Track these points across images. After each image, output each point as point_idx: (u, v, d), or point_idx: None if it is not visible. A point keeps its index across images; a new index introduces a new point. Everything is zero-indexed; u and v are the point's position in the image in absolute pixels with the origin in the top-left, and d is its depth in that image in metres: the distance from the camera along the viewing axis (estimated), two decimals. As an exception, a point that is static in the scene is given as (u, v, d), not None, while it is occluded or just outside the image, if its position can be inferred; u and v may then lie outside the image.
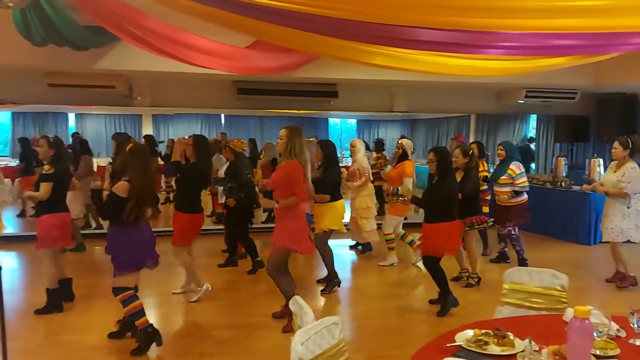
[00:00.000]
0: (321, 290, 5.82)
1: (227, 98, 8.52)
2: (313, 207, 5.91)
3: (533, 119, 12.05)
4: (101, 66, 6.76)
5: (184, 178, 5.48)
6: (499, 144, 6.94)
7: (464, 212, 5.66)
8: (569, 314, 2.43)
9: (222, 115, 16.64)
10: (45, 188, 4.80)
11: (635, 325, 2.34)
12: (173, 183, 5.78)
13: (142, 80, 8.15)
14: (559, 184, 8.77)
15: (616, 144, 5.93)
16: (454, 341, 2.32)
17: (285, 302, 4.62)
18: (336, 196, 5.85)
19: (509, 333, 2.32)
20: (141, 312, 4.14)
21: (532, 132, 12.15)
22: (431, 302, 5.34)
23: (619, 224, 5.85)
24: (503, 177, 6.62)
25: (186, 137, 5.62)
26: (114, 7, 4.41)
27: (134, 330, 4.26)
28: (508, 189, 6.57)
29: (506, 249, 7.02)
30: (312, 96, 8.44)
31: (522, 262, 6.58)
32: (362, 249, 7.68)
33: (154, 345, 4.17)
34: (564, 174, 8.90)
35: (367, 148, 9.69)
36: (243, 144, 6.68)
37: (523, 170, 6.65)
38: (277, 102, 8.93)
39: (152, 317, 4.51)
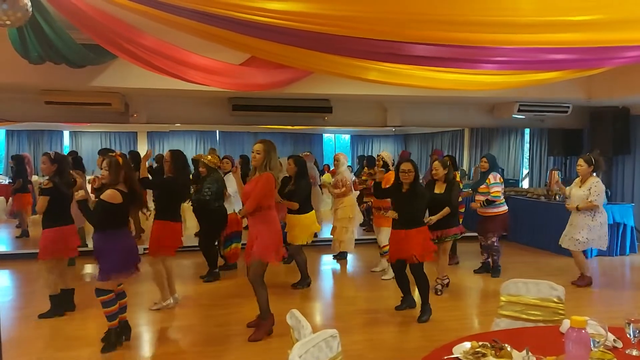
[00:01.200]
0: (292, 285, 6.41)
1: (221, 114, 8.54)
2: (286, 217, 6.37)
3: (526, 133, 12.15)
4: (98, 84, 6.79)
5: (163, 193, 5.60)
6: (483, 156, 7.25)
7: (442, 223, 5.93)
8: (565, 325, 2.44)
9: (217, 132, 16.73)
10: (41, 202, 5.04)
11: (632, 336, 2.35)
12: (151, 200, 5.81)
13: (138, 97, 8.18)
14: (552, 197, 8.83)
15: (581, 162, 6.37)
16: (452, 353, 2.32)
17: (259, 312, 4.83)
18: (306, 209, 6.29)
19: (507, 345, 2.33)
20: (115, 315, 4.46)
21: (526, 146, 12.23)
22: (397, 308, 5.57)
23: (585, 235, 6.33)
24: (482, 186, 6.96)
25: (149, 150, 5.82)
26: (111, 25, 4.45)
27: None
28: (484, 198, 6.87)
29: (489, 260, 7.21)
30: (306, 112, 8.48)
31: (496, 270, 7.02)
32: (339, 255, 8.06)
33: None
34: (558, 188, 8.96)
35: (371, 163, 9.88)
36: (217, 160, 6.99)
37: (499, 181, 6.87)
38: (271, 118, 8.97)
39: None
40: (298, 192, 6.22)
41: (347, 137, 18.61)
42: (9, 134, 15.84)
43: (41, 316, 5.23)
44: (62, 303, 5.37)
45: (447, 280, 6.33)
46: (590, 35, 3.78)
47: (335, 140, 18.56)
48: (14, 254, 8.24)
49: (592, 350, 2.15)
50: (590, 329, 2.13)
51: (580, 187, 6.39)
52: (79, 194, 4.26)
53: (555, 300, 3.05)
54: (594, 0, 3.33)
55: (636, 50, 4.15)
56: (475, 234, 7.39)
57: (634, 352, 2.33)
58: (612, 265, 7.82)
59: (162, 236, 5.47)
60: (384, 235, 6.87)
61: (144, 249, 6.04)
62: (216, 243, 7.17)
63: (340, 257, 8.08)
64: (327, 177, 12.10)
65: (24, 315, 5.39)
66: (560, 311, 3.02)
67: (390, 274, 6.89)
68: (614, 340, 2.42)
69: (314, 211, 6.48)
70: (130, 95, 8.03)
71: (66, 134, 16.33)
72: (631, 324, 2.34)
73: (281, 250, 4.78)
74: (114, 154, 4.49)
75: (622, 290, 6.63)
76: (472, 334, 2.62)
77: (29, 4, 3.37)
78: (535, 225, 8.89)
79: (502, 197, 6.90)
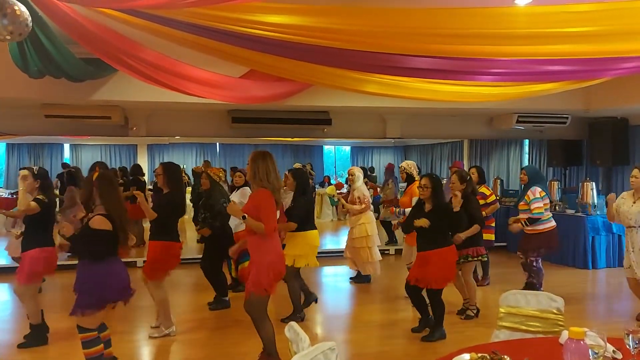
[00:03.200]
0: (281, 319, 5.36)
1: (221, 127, 8.58)
2: (286, 236, 5.65)
3: (526, 144, 12.17)
4: (97, 97, 6.82)
5: (158, 210, 5.08)
6: (522, 168, 6.65)
7: (463, 242, 5.36)
8: (564, 336, 2.43)
9: (217, 144, 16.78)
10: (33, 206, 4.64)
11: (631, 347, 2.33)
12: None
13: (138, 110, 8.21)
14: (553, 208, 8.83)
15: (636, 172, 5.34)
16: (452, 365, 2.31)
17: (262, 348, 4.24)
18: (306, 226, 5.59)
19: (506, 356, 2.31)
20: (99, 357, 3.84)
21: (525, 157, 12.25)
22: (414, 330, 5.20)
23: None
24: (521, 202, 6.21)
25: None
26: (111, 39, 4.49)
27: None
28: (526, 215, 6.08)
29: (533, 279, 6.27)
30: (306, 124, 8.50)
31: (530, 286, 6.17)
32: (358, 279, 7.35)
33: None
34: (558, 198, 8.97)
35: (366, 174, 9.81)
36: (221, 173, 6.53)
37: (539, 195, 6.02)
38: (271, 130, 8.99)
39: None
40: (296, 210, 5.53)
41: (347, 148, 18.65)
42: (10, 147, 15.90)
43: (20, 346, 4.77)
44: (44, 331, 4.91)
45: (475, 310, 5.69)
46: (587, 46, 3.82)
47: (336, 152, 18.60)
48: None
49: (591, 361, 2.13)
50: (589, 340, 2.12)
51: (634, 202, 5.38)
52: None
53: (555, 311, 3.03)
54: (590, 12, 3.36)
55: (633, 61, 4.19)
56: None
57: (634, 363, 2.31)
58: (612, 277, 7.79)
59: (159, 259, 5.00)
60: (408, 252, 6.39)
61: (144, 261, 5.62)
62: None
63: (361, 280, 7.32)
64: (330, 189, 11.99)
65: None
66: (560, 322, 3.00)
67: None
68: (614, 351, 2.40)
69: (316, 231, 5.75)
70: (130, 109, 8.06)
71: (66, 147, 16.38)
72: (630, 335, 2.33)
73: (275, 282, 4.09)
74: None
75: (622, 302, 6.60)
76: (471, 346, 2.60)
77: (29, 18, 3.40)
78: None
79: (545, 212, 6.08)
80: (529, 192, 6.07)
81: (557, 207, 8.72)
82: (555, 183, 8.84)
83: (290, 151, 17.25)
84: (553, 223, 6.18)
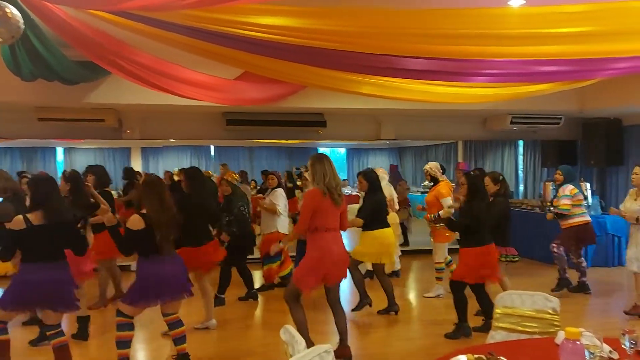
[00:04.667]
0: (352, 309, 5.89)
1: (216, 129, 8.54)
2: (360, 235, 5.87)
3: (520, 145, 12.20)
4: (91, 100, 6.78)
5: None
6: (557, 168, 6.98)
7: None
8: (560, 336, 2.42)
9: (212, 147, 16.73)
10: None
11: (628, 347, 2.33)
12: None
13: (132, 113, 8.17)
14: (547, 208, 8.83)
15: (637, 169, 5.60)
16: (448, 367, 2.30)
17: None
18: (373, 225, 5.67)
19: (502, 357, 2.31)
20: (127, 343, 4.07)
21: (520, 158, 12.29)
22: (446, 335, 5.13)
23: None
24: (555, 199, 6.70)
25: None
26: (105, 42, 4.47)
27: None
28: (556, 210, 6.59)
29: (584, 279, 6.77)
30: (301, 126, 8.48)
31: (562, 282, 6.65)
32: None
33: None
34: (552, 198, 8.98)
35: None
36: (235, 175, 6.76)
37: (569, 193, 6.50)
38: (266, 132, 8.97)
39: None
40: (363, 208, 5.76)
41: (342, 150, 18.65)
42: (1, 150, 15.78)
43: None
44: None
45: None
46: (581, 47, 3.83)
47: (331, 154, 18.61)
48: None
49: (587, 361, 2.13)
50: (585, 340, 2.12)
51: (635, 199, 5.64)
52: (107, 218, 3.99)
53: (551, 311, 3.03)
54: (583, 13, 3.37)
55: (626, 61, 4.20)
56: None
57: (630, 363, 2.31)
58: (607, 276, 7.82)
59: (189, 263, 4.75)
60: (441, 251, 6.58)
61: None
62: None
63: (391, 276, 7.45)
64: None
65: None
66: (556, 323, 3.00)
67: (436, 291, 6.69)
68: (610, 351, 2.40)
69: (388, 229, 5.84)
70: (124, 111, 8.03)
71: (59, 150, 16.28)
72: (627, 335, 2.33)
73: (313, 282, 4.28)
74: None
75: (617, 302, 6.62)
76: (467, 347, 2.60)
77: (21, 21, 3.38)
78: (529, 236, 8.88)
79: (576, 208, 6.52)
80: (560, 189, 6.60)
81: (551, 208, 8.71)
82: (550, 183, 8.78)
83: (285, 154, 17.20)
84: (586, 218, 6.64)
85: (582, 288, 6.79)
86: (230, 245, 6.26)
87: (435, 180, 6.64)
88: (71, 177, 5.10)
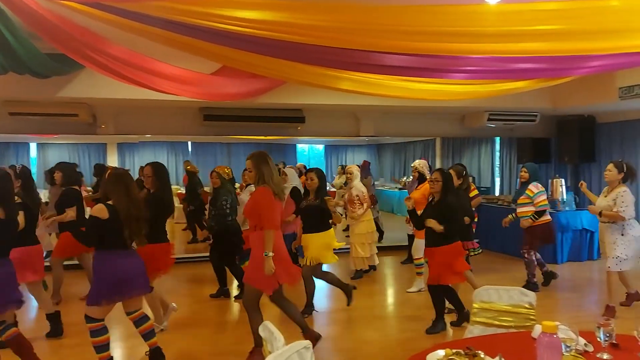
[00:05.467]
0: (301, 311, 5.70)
1: (193, 125, 8.45)
2: (302, 237, 5.74)
3: (497, 142, 12.34)
4: (64, 94, 6.65)
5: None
6: (523, 166, 6.95)
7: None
8: (537, 330, 2.45)
9: (189, 143, 16.54)
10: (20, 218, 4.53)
11: (602, 339, 2.37)
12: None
13: (106, 108, 8.03)
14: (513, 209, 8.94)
15: (610, 166, 5.64)
16: (426, 362, 2.30)
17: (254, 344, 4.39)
18: (320, 227, 5.58)
19: (480, 352, 2.32)
20: (106, 347, 4.02)
21: (496, 155, 12.42)
22: (428, 331, 5.11)
23: (622, 250, 5.54)
24: (522, 197, 6.66)
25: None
26: (78, 34, 4.36)
27: None
28: (526, 208, 6.57)
29: (545, 268, 6.93)
30: (279, 122, 8.44)
31: (529, 287, 6.31)
32: (363, 272, 7.45)
33: None
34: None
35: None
36: (227, 169, 6.62)
37: (541, 189, 6.59)
38: (243, 128, 8.90)
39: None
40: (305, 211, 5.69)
41: (321, 147, 18.62)
42: (-27, 146, 15.38)
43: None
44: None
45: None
46: (556, 44, 3.87)
47: (309, 151, 18.56)
48: None
49: (563, 354, 2.15)
50: (561, 334, 2.14)
51: (606, 196, 5.68)
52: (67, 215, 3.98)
53: (527, 306, 3.07)
54: (559, 10, 3.40)
55: (600, 59, 4.26)
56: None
57: (605, 356, 2.34)
58: (581, 271, 7.96)
59: (149, 261, 4.64)
60: (419, 247, 6.42)
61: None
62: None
63: (363, 273, 7.46)
64: None
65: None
66: (532, 317, 3.04)
67: (417, 285, 6.67)
68: (585, 344, 2.43)
69: (331, 230, 5.71)
70: (98, 106, 7.88)
71: (33, 145, 15.92)
72: (601, 328, 2.36)
73: (268, 280, 4.15)
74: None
75: (591, 295, 6.74)
76: (445, 342, 2.61)
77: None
78: (506, 233, 8.98)
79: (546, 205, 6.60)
80: (531, 187, 6.56)
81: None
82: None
83: (263, 149, 17.08)
84: (549, 217, 6.69)
85: (550, 276, 6.94)
86: (216, 241, 6.29)
87: (422, 178, 6.66)
88: (22, 173, 4.95)
